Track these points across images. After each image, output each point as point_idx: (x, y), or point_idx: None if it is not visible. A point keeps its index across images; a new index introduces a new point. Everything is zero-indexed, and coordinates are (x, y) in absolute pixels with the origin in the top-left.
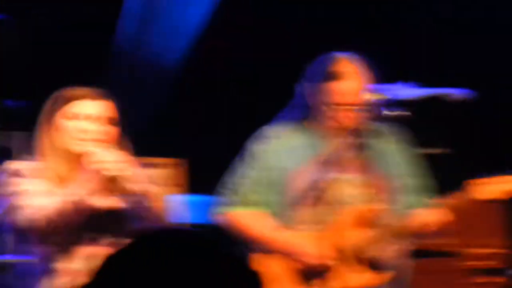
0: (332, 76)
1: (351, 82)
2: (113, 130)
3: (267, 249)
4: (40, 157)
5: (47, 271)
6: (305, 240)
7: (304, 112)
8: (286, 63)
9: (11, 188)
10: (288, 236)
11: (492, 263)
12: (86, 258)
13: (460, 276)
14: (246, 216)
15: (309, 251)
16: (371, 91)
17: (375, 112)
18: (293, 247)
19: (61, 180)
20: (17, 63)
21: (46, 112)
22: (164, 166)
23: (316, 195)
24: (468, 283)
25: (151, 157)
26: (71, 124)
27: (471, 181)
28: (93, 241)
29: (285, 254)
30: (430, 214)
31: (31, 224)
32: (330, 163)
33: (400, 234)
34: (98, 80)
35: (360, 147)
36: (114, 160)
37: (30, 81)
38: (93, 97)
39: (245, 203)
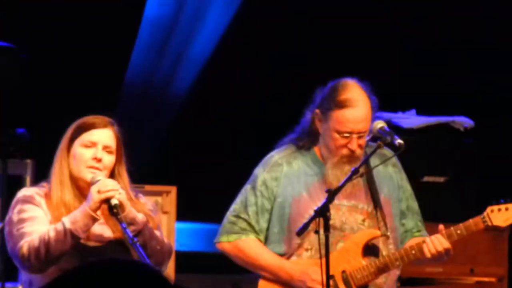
0: (342, 104)
1: (361, 110)
2: (115, 158)
3: (271, 277)
4: (53, 184)
5: None
6: (310, 267)
7: (312, 138)
8: (290, 93)
9: (20, 215)
10: (293, 263)
11: None
12: None
13: None
14: (249, 243)
15: (314, 277)
16: (377, 118)
17: (380, 138)
18: (299, 274)
19: (67, 209)
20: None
21: (65, 139)
22: (154, 193)
23: (321, 222)
24: None
25: (142, 184)
26: (87, 152)
27: (488, 207)
28: None
29: (290, 282)
30: (432, 242)
31: (32, 250)
32: (336, 189)
33: (401, 261)
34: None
35: (366, 174)
36: (117, 188)
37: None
38: (108, 126)
39: (249, 231)
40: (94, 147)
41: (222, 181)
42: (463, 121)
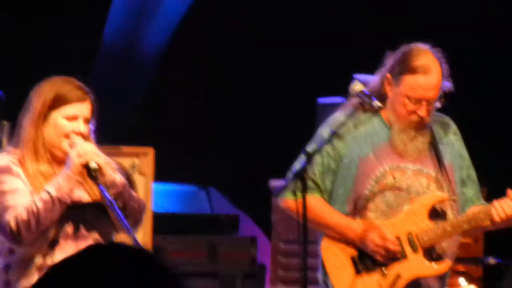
0: (415, 70)
1: (433, 77)
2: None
3: (337, 235)
4: (26, 152)
5: (37, 267)
6: (378, 227)
7: (380, 99)
8: (268, 54)
9: (1, 187)
10: (361, 223)
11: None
12: (70, 252)
13: None
14: (316, 201)
15: (384, 234)
16: (355, 80)
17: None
18: (368, 233)
19: (45, 178)
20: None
21: (41, 105)
22: (131, 155)
23: (387, 183)
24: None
25: (119, 146)
26: (69, 125)
27: None
28: (76, 236)
29: (358, 241)
30: (501, 205)
31: (21, 224)
32: (403, 152)
33: (468, 225)
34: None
35: (431, 139)
36: (95, 151)
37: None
38: (87, 98)
39: (314, 190)
40: (75, 120)
41: (199, 142)
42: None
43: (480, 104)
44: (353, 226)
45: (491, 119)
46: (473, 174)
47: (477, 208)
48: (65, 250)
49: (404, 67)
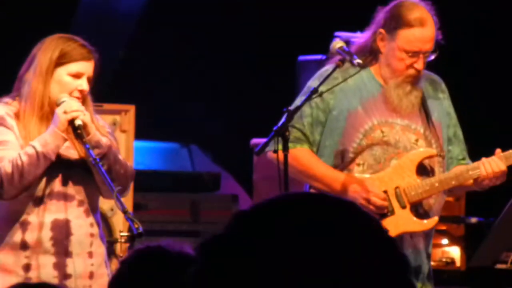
0: (411, 23)
1: (429, 29)
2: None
3: (324, 188)
4: (27, 105)
5: (20, 224)
6: (367, 179)
7: (370, 57)
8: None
9: None
10: (348, 175)
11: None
12: (55, 212)
13: None
14: (304, 153)
15: (371, 189)
16: (336, 37)
17: (340, 58)
18: (355, 186)
19: (35, 135)
20: None
21: (47, 61)
22: (112, 112)
23: (375, 137)
24: None
25: (101, 103)
26: (73, 82)
27: None
28: (62, 196)
29: (344, 193)
30: (489, 162)
31: (4, 176)
32: (391, 107)
33: (456, 181)
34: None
35: (421, 95)
36: (81, 109)
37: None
38: (92, 58)
39: (303, 141)
40: (79, 78)
41: (181, 100)
42: None
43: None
44: (340, 179)
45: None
46: (459, 132)
47: (464, 166)
48: (50, 209)
49: (399, 21)
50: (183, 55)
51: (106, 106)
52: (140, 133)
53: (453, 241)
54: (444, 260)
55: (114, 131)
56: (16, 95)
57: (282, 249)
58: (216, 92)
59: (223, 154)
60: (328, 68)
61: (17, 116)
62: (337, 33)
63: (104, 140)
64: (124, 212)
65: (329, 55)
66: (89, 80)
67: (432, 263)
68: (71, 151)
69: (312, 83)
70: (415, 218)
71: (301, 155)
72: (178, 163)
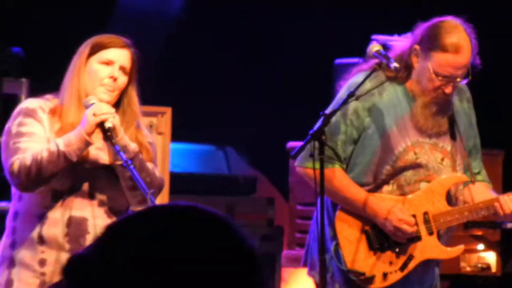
0: (447, 48)
1: (464, 57)
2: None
3: (353, 210)
4: (66, 101)
5: (38, 218)
6: (396, 206)
7: (406, 72)
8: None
9: (19, 128)
10: (378, 200)
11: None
12: (74, 209)
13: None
14: (336, 173)
15: (400, 216)
16: (373, 40)
17: (376, 62)
18: (385, 212)
19: (73, 127)
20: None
21: (81, 55)
22: (149, 114)
23: (408, 160)
24: (464, 235)
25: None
26: (104, 70)
27: None
28: (84, 194)
29: (374, 218)
30: (506, 202)
31: (23, 168)
32: (423, 126)
33: (486, 212)
34: (99, 27)
35: (451, 115)
36: (111, 111)
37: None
38: (126, 47)
39: (335, 160)
40: (111, 65)
41: (218, 102)
42: None
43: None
44: (372, 203)
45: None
46: (478, 142)
47: (483, 188)
48: (70, 206)
49: (435, 43)
50: (220, 57)
51: (143, 108)
52: (177, 135)
53: (489, 246)
54: (479, 265)
55: (151, 133)
56: (60, 92)
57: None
58: (253, 94)
59: (259, 157)
60: (359, 78)
61: (52, 111)
62: (374, 36)
63: (132, 147)
64: None
65: (366, 59)
66: (124, 70)
67: (467, 268)
68: (103, 154)
69: (343, 94)
70: (441, 246)
71: (332, 176)
72: (214, 166)
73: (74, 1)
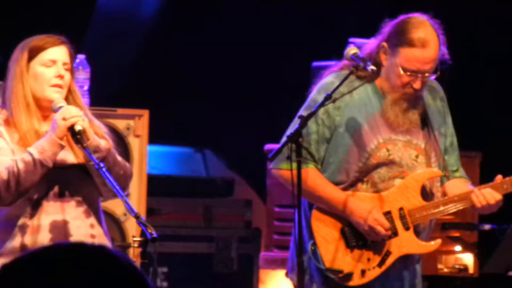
0: (413, 42)
1: (431, 51)
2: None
3: (328, 209)
4: (16, 110)
5: (19, 227)
6: (372, 204)
7: (376, 67)
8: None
9: None
10: (354, 198)
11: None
12: (52, 214)
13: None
14: (310, 173)
15: (376, 216)
16: (350, 43)
17: (353, 64)
18: (360, 211)
19: (37, 134)
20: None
21: (20, 61)
22: (126, 117)
23: (381, 157)
24: (442, 237)
25: (114, 108)
26: (49, 71)
27: None
28: (60, 197)
29: (349, 216)
30: (482, 194)
31: (0, 183)
32: (394, 123)
33: (460, 205)
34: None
35: (423, 111)
36: (80, 114)
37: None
38: (62, 44)
39: (309, 160)
40: (55, 65)
41: (195, 104)
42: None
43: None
44: (347, 202)
45: (488, 81)
46: (455, 141)
47: (460, 183)
48: (48, 211)
49: (402, 39)
50: (198, 59)
51: (120, 111)
52: (155, 138)
53: (466, 248)
54: (457, 266)
55: (128, 136)
56: (5, 102)
57: None
58: (230, 97)
59: (237, 159)
60: (331, 79)
61: (6, 122)
62: (351, 39)
63: (103, 144)
64: (136, 217)
65: (343, 61)
66: (67, 67)
67: (445, 269)
68: (68, 155)
69: (316, 96)
70: (418, 241)
71: (307, 176)
72: (192, 168)
73: (52, 5)
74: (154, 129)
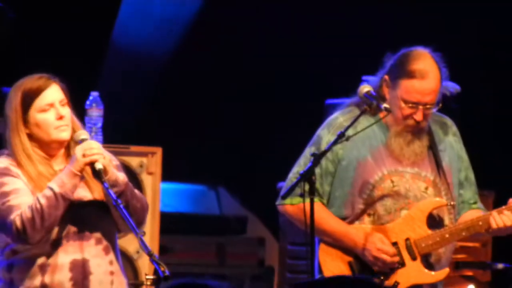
0: (412, 74)
1: (430, 82)
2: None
3: (334, 242)
4: (21, 161)
5: (39, 267)
6: (376, 236)
7: (389, 108)
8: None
9: (2, 188)
10: (358, 231)
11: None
12: (72, 253)
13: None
14: (314, 208)
15: (379, 246)
16: (363, 82)
17: (366, 102)
18: (364, 242)
19: (45, 177)
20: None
21: (14, 111)
22: (139, 154)
23: (385, 188)
24: (455, 276)
25: (128, 145)
26: (49, 116)
27: None
28: (79, 235)
29: (354, 248)
30: (499, 216)
31: (26, 221)
32: (399, 156)
33: (466, 232)
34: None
35: (430, 142)
36: (101, 151)
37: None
38: (52, 82)
39: (313, 194)
40: (53, 107)
41: (209, 142)
42: (450, 86)
43: (488, 105)
44: (351, 234)
45: (500, 121)
46: (471, 176)
47: (475, 213)
48: (68, 250)
49: (402, 71)
50: (211, 96)
51: (133, 148)
52: (168, 175)
53: (480, 287)
54: None
55: (141, 173)
56: (9, 152)
57: None
58: (244, 134)
59: (250, 197)
60: (335, 115)
61: (19, 165)
62: (365, 77)
63: (121, 177)
64: (150, 255)
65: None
66: (64, 103)
67: None
68: (85, 192)
69: (322, 132)
70: (426, 270)
71: (308, 209)
72: (205, 206)
73: (67, 45)
74: (167, 167)
